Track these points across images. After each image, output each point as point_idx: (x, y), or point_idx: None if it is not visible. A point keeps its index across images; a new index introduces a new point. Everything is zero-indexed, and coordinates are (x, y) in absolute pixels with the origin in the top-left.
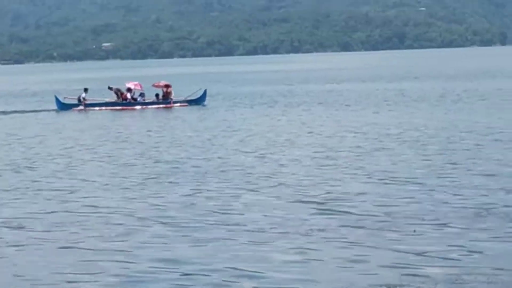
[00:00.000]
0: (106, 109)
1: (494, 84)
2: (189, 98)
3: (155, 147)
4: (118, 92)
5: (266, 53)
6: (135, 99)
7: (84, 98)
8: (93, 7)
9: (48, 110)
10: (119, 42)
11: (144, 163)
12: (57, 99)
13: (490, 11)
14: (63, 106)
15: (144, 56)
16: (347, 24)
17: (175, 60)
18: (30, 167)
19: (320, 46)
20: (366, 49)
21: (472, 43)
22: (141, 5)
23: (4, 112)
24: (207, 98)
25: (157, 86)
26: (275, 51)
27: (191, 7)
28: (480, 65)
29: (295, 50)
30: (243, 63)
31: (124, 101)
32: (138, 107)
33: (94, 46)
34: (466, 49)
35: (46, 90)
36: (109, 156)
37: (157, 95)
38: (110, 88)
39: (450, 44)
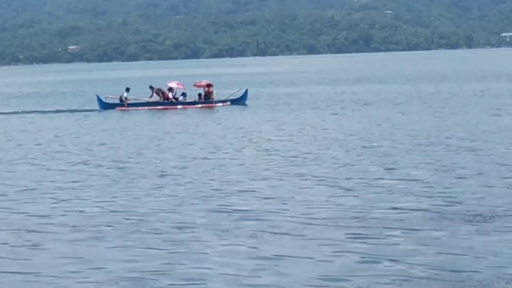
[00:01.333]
0: (148, 109)
1: (448, 86)
2: (231, 98)
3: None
4: (159, 92)
5: (233, 55)
6: (176, 99)
7: (126, 98)
8: (59, 10)
9: (90, 110)
10: (86, 45)
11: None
12: (99, 99)
13: (456, 14)
14: (105, 106)
15: (110, 59)
16: (313, 27)
17: (141, 62)
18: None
19: (286, 49)
20: (332, 52)
21: (438, 46)
22: (108, 8)
23: (44, 112)
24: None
25: (199, 86)
26: (242, 53)
27: (157, 10)
28: (437, 68)
29: (261, 52)
30: (209, 65)
31: (166, 100)
32: (179, 106)
33: (60, 49)
34: (431, 52)
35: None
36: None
37: (199, 94)
38: (151, 88)
39: (416, 47)
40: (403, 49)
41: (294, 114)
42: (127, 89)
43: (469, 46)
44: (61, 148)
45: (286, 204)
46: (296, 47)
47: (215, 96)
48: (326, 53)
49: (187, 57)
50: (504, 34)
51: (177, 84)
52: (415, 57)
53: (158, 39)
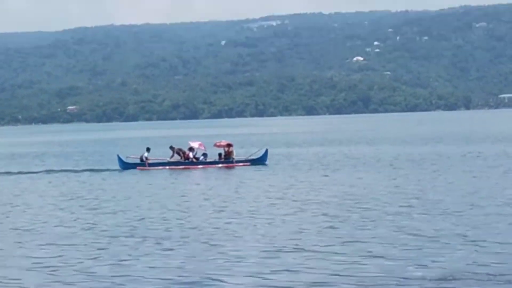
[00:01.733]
0: (169, 168)
1: (441, 148)
2: (250, 158)
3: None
4: (180, 152)
5: (231, 116)
6: (197, 159)
7: (146, 158)
8: (58, 70)
9: (110, 170)
10: (85, 105)
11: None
12: (119, 159)
13: (455, 75)
14: (126, 165)
15: (109, 119)
16: (311, 88)
17: (140, 123)
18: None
19: (285, 110)
20: (331, 113)
21: (436, 107)
22: (107, 69)
23: (66, 171)
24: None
25: (219, 146)
26: (240, 114)
27: (156, 70)
28: (433, 129)
29: (260, 113)
30: (208, 126)
31: (186, 160)
32: (200, 166)
33: (59, 109)
34: (430, 113)
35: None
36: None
37: (219, 154)
38: (171, 148)
39: (415, 108)
40: (402, 110)
41: (315, 174)
42: (148, 149)
43: (467, 107)
44: (99, 205)
45: None
46: (295, 108)
47: (235, 156)
48: (324, 114)
49: (186, 117)
50: (502, 95)
51: (199, 144)
52: (413, 119)
53: (157, 99)
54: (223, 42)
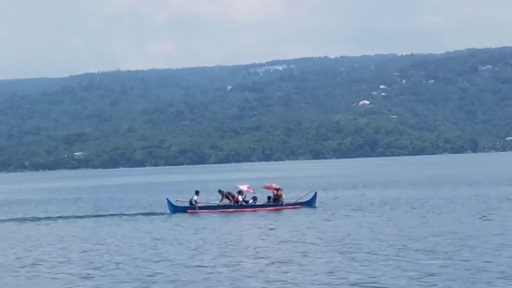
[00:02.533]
0: (218, 211)
1: (444, 191)
2: (300, 201)
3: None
4: (229, 196)
5: (239, 161)
6: (246, 202)
7: (195, 201)
8: (65, 117)
9: (159, 214)
10: (91, 151)
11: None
12: (169, 202)
13: (461, 118)
14: (175, 209)
15: (116, 165)
16: (318, 132)
17: (147, 168)
18: None
19: (292, 154)
20: (337, 157)
21: (443, 150)
22: (113, 114)
23: (114, 215)
24: (317, 201)
25: (268, 188)
26: (247, 159)
27: (162, 115)
28: (439, 172)
29: (267, 158)
30: (215, 171)
31: (235, 203)
32: (249, 209)
33: (66, 155)
34: (437, 157)
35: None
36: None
37: (268, 197)
38: (220, 192)
39: (421, 151)
40: (409, 154)
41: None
42: (197, 192)
43: (474, 150)
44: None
45: None
46: (302, 152)
47: (284, 199)
48: (331, 158)
49: (193, 162)
50: (509, 138)
51: (248, 187)
52: (419, 162)
53: (164, 144)
54: (229, 87)
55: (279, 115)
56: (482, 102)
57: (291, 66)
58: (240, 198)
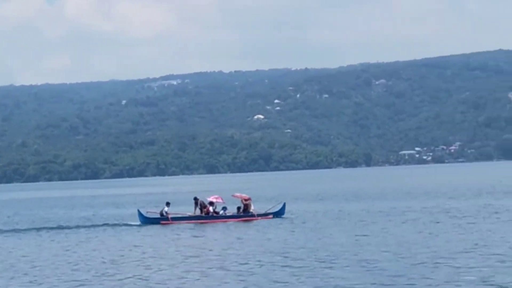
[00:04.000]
0: (192, 223)
1: (328, 205)
2: (270, 211)
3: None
4: (201, 206)
5: (133, 176)
6: (217, 213)
7: (166, 212)
8: None
9: (130, 225)
10: None
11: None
12: (140, 213)
13: (355, 133)
14: (146, 220)
15: (9, 180)
16: (212, 147)
17: (41, 183)
18: None
19: (186, 169)
20: (232, 171)
21: (337, 164)
22: (6, 129)
23: (93, 226)
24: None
25: (237, 197)
26: (142, 173)
27: (56, 130)
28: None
29: (162, 172)
30: (109, 186)
31: (206, 214)
32: (221, 220)
33: None
34: (331, 170)
35: None
36: None
37: (238, 208)
38: (195, 199)
39: (316, 165)
40: (303, 168)
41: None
42: (167, 204)
43: (368, 164)
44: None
45: None
46: (196, 166)
47: (253, 209)
48: (226, 172)
49: (87, 177)
50: (402, 152)
51: (216, 198)
52: (313, 176)
53: (58, 159)
54: (123, 102)
55: (174, 130)
56: (376, 116)
57: (186, 81)
58: (211, 209)
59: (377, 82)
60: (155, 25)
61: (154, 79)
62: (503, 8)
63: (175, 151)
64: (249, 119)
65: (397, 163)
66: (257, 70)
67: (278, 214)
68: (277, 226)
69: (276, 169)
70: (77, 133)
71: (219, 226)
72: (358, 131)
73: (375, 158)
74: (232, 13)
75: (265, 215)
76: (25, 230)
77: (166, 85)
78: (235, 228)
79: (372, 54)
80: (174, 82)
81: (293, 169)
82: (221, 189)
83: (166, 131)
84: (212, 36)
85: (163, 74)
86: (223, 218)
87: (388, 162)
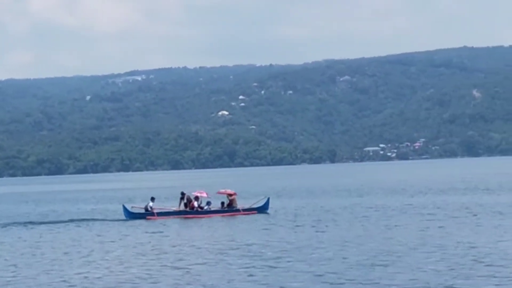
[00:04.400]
0: (177, 217)
1: (287, 201)
2: (254, 206)
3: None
4: (188, 200)
5: (97, 171)
6: (202, 208)
7: (151, 207)
8: None
9: (115, 220)
10: None
11: None
12: (125, 209)
13: (320, 129)
14: (131, 215)
15: None
16: (177, 143)
17: (4, 179)
18: None
19: (151, 165)
20: (197, 167)
21: (302, 161)
22: None
23: (72, 221)
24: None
25: (222, 193)
26: (106, 169)
27: (20, 126)
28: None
29: (126, 168)
30: (73, 182)
31: (191, 209)
32: (207, 215)
33: None
34: (295, 167)
35: None
36: None
37: (222, 203)
38: (182, 194)
39: (280, 161)
40: (267, 164)
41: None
42: (152, 199)
43: (332, 160)
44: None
45: None
46: (161, 162)
47: (237, 204)
48: (190, 168)
49: (51, 173)
50: (367, 148)
51: (201, 193)
52: (277, 172)
53: (22, 155)
54: (88, 97)
55: (138, 126)
56: (340, 113)
57: (150, 77)
58: (195, 204)
59: (341, 79)
60: (120, 20)
61: (119, 75)
62: (468, 5)
63: (140, 147)
64: (213, 115)
65: (362, 159)
66: (221, 66)
67: (262, 209)
68: (247, 222)
69: (241, 165)
70: (41, 128)
71: (204, 221)
72: (322, 128)
73: (340, 155)
74: (197, 9)
75: (249, 210)
76: None
77: (130, 80)
78: (217, 224)
79: (337, 51)
80: (139, 78)
81: (258, 165)
82: (185, 185)
83: (131, 127)
84: (177, 32)
85: (128, 70)
86: (208, 213)
87: (353, 159)
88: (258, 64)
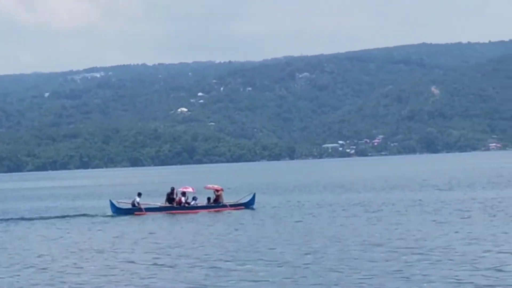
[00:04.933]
0: (165, 213)
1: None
2: (240, 202)
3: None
4: (176, 196)
5: (56, 168)
6: (188, 203)
7: (138, 203)
8: None
9: (102, 216)
10: None
11: None
12: (112, 204)
13: (279, 126)
14: (118, 211)
15: None
16: (136, 140)
17: None
18: None
19: (110, 161)
20: (156, 164)
21: (261, 158)
22: None
23: (64, 217)
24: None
25: (209, 188)
26: (65, 166)
27: None
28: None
29: (85, 165)
30: (32, 179)
31: (178, 205)
32: (195, 210)
33: None
34: (254, 164)
35: None
36: None
37: (208, 198)
38: (172, 189)
39: (239, 158)
40: (227, 161)
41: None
42: (139, 194)
43: (291, 157)
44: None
45: None
46: (120, 159)
47: (223, 200)
48: (150, 165)
49: (9, 170)
50: (326, 145)
51: (186, 188)
52: (236, 169)
53: None
54: (46, 94)
55: (97, 123)
56: (299, 109)
57: (109, 73)
58: (183, 199)
59: (300, 75)
60: (79, 17)
61: (78, 72)
62: (427, 2)
63: (99, 144)
64: (172, 112)
65: (320, 156)
66: (180, 63)
67: (248, 205)
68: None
69: (200, 162)
70: None
71: (189, 217)
72: (281, 124)
73: (299, 151)
74: (155, 6)
75: (236, 205)
76: None
77: (89, 77)
78: (201, 219)
79: (296, 47)
80: (98, 75)
81: (217, 162)
82: (145, 181)
83: (90, 124)
84: (135, 28)
85: (87, 67)
86: (195, 209)
87: (312, 155)
88: (217, 61)
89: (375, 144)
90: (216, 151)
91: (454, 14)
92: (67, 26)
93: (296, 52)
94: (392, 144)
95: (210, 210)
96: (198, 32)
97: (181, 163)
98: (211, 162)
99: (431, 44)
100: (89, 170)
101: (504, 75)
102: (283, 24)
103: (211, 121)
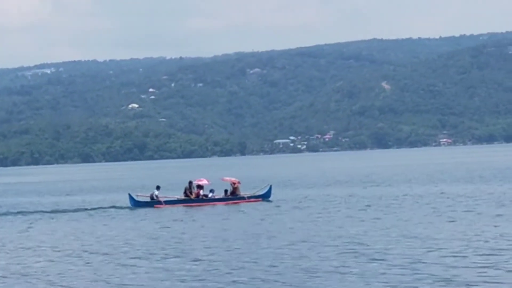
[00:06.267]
0: (184, 206)
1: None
2: (257, 194)
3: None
4: (193, 189)
5: (6, 165)
6: (206, 196)
7: (157, 196)
8: None
9: (121, 208)
10: None
11: None
12: (131, 197)
13: (230, 122)
14: (137, 204)
15: None
16: (87, 136)
17: None
18: None
19: (61, 158)
20: (107, 160)
21: (213, 153)
22: None
23: (85, 209)
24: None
25: (226, 181)
26: (15, 163)
27: None
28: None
29: (36, 162)
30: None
31: (196, 197)
32: (213, 203)
33: None
34: (206, 159)
35: None
36: None
37: (225, 191)
38: (190, 182)
39: (190, 154)
40: (178, 157)
41: None
42: (158, 187)
43: (243, 153)
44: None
45: None
46: (71, 155)
47: (241, 192)
48: (101, 161)
49: None
50: (277, 141)
51: (201, 181)
52: (187, 165)
53: None
54: None
55: (48, 119)
56: (250, 105)
57: (60, 69)
58: (201, 192)
59: (251, 71)
60: (28, 13)
61: (28, 68)
62: None
63: (49, 140)
64: (123, 108)
65: (272, 152)
66: (131, 59)
67: (265, 196)
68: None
69: (151, 158)
70: None
71: (207, 209)
72: (232, 120)
73: (250, 147)
74: (106, 1)
75: (254, 197)
76: None
77: (40, 73)
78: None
79: (247, 43)
80: (48, 71)
81: (168, 158)
82: (98, 178)
83: (40, 120)
84: (85, 24)
85: (37, 63)
86: (214, 201)
87: (263, 151)
88: (168, 57)
89: (326, 139)
90: (167, 147)
91: (405, 10)
92: (17, 22)
93: (247, 48)
94: (343, 140)
95: (228, 202)
96: (149, 28)
97: (132, 159)
98: (162, 158)
99: (381, 39)
100: (40, 166)
101: (455, 71)
102: (234, 20)
103: (162, 117)
